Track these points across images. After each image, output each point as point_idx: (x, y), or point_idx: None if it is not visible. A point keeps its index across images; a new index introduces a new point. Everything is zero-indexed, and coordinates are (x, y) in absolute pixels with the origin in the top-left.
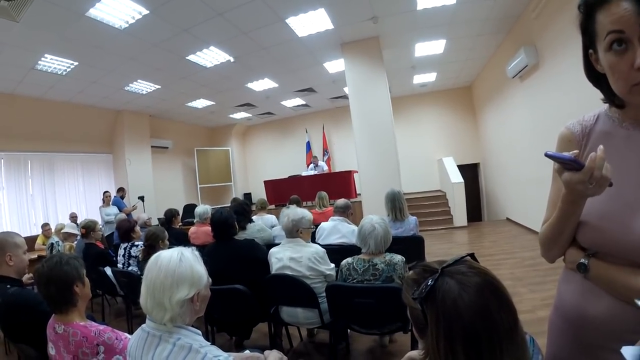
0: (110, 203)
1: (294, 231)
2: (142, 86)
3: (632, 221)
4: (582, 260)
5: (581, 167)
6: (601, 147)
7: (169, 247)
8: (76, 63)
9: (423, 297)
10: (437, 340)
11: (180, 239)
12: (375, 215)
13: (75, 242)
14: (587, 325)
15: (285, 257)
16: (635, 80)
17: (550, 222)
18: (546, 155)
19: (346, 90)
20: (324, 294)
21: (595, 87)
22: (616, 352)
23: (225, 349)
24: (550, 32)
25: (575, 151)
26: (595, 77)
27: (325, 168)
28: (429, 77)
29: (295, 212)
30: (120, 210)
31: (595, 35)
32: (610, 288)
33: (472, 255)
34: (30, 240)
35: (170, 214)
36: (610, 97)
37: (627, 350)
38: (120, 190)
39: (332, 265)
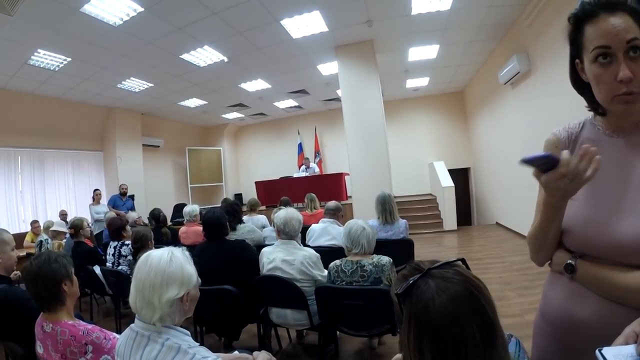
0: (107, 202)
1: (297, 232)
2: (135, 84)
3: (615, 225)
4: (570, 261)
5: (557, 161)
6: (566, 151)
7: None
8: (69, 59)
9: (401, 293)
10: (408, 337)
11: (163, 241)
12: (359, 219)
13: (65, 240)
14: (574, 329)
15: (278, 258)
16: (617, 91)
17: (535, 225)
18: (523, 161)
19: (339, 92)
20: (313, 296)
21: (579, 95)
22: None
23: (214, 349)
24: (543, 40)
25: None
26: (580, 85)
27: (317, 170)
28: (422, 82)
29: (297, 215)
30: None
31: (582, 46)
32: (598, 287)
33: (463, 260)
34: (19, 238)
35: (159, 216)
36: (593, 105)
37: (608, 351)
38: (122, 188)
39: (325, 271)
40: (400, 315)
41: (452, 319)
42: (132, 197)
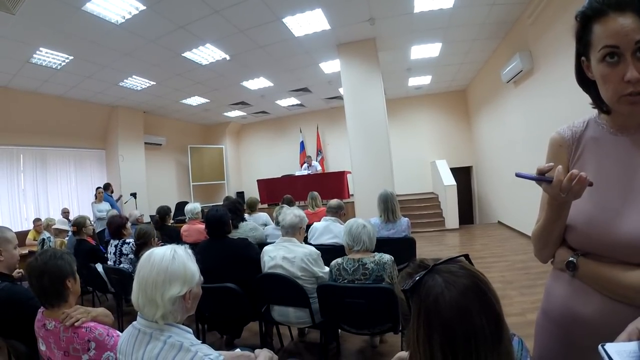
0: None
1: (297, 228)
2: (137, 82)
3: (617, 223)
4: (571, 259)
5: (550, 181)
6: (560, 167)
7: (162, 245)
8: (71, 57)
9: (409, 289)
10: (417, 333)
11: (172, 236)
12: (359, 218)
13: (67, 238)
14: (576, 326)
15: (279, 256)
16: (624, 91)
17: (539, 223)
18: (517, 175)
19: (341, 91)
20: (315, 294)
21: (585, 93)
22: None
23: (216, 347)
24: (546, 38)
25: (550, 164)
26: (586, 83)
27: (319, 168)
28: (424, 80)
29: (298, 211)
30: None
31: (589, 45)
32: (599, 285)
33: (466, 256)
34: (22, 236)
35: (163, 212)
36: (598, 103)
37: (611, 347)
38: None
39: (327, 269)
40: (407, 313)
41: (462, 312)
42: (134, 194)
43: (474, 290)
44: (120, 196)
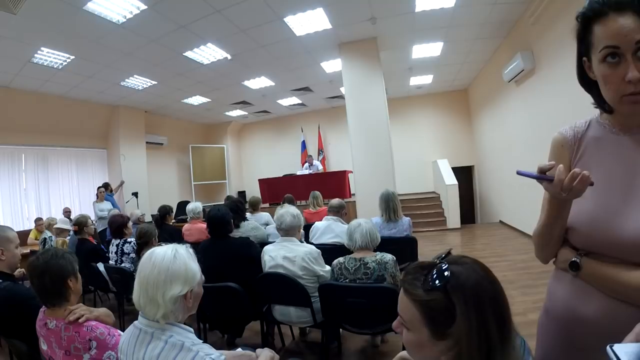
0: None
1: (296, 228)
2: (139, 81)
3: (620, 223)
4: (575, 259)
5: (551, 180)
6: (561, 166)
7: (163, 244)
8: (73, 57)
9: (445, 285)
10: (470, 323)
11: (174, 235)
12: (361, 219)
13: (68, 238)
14: (578, 326)
15: (279, 255)
16: (625, 91)
17: (540, 222)
18: (517, 173)
19: (342, 90)
20: (317, 293)
21: (587, 92)
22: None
23: (217, 347)
24: (547, 38)
25: (551, 162)
26: (587, 83)
27: (320, 167)
28: (426, 80)
29: (293, 209)
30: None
31: (590, 45)
32: (603, 285)
33: (449, 252)
34: (23, 235)
35: (164, 211)
36: (600, 102)
37: (619, 348)
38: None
39: (328, 267)
40: (444, 310)
41: (496, 284)
42: (135, 194)
43: (487, 270)
44: (122, 182)
